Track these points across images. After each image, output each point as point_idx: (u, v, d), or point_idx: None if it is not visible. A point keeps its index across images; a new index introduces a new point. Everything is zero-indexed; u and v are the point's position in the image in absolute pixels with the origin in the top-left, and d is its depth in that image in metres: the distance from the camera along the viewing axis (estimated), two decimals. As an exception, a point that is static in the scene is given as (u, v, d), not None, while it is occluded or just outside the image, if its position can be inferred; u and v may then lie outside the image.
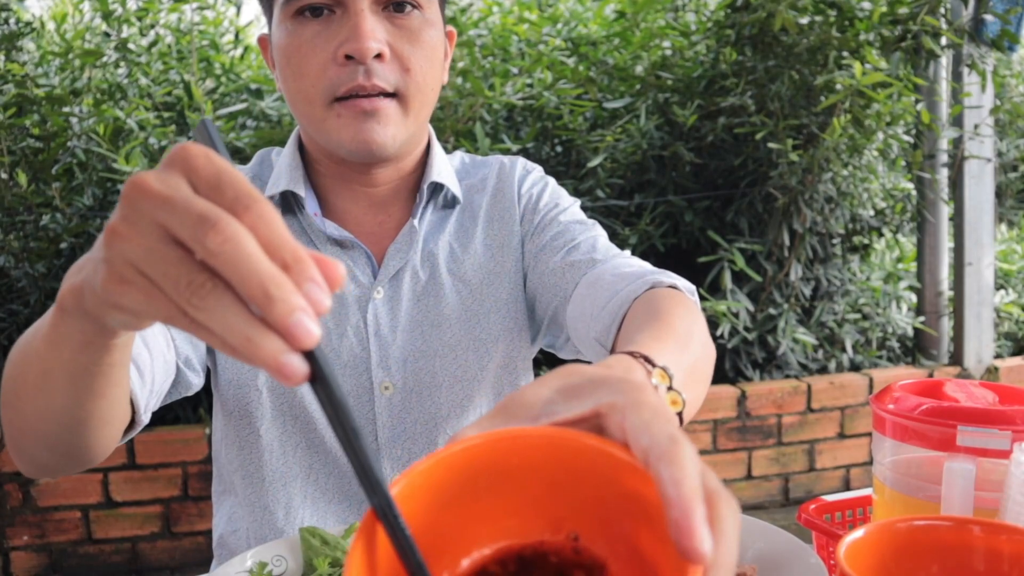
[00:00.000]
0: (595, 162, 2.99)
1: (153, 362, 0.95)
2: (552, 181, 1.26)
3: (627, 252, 1.12)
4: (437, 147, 1.20)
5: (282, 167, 1.14)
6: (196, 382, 1.08)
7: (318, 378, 0.46)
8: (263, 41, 1.16)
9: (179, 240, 0.46)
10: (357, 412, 1.12)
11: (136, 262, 0.47)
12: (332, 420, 0.46)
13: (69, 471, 0.86)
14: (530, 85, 3.16)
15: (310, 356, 0.45)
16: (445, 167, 1.19)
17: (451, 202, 1.20)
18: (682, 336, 0.83)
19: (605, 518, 0.49)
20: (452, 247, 1.18)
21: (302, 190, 1.12)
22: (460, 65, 3.01)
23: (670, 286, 0.97)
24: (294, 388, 1.10)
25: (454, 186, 1.18)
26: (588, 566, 0.50)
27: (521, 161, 1.25)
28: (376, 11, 1.03)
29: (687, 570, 0.42)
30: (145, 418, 0.91)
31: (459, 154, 1.28)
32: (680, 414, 0.72)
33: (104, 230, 0.49)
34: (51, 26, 3.10)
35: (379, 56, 1.01)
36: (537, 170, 1.25)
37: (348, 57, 1.01)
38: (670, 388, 0.72)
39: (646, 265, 1.06)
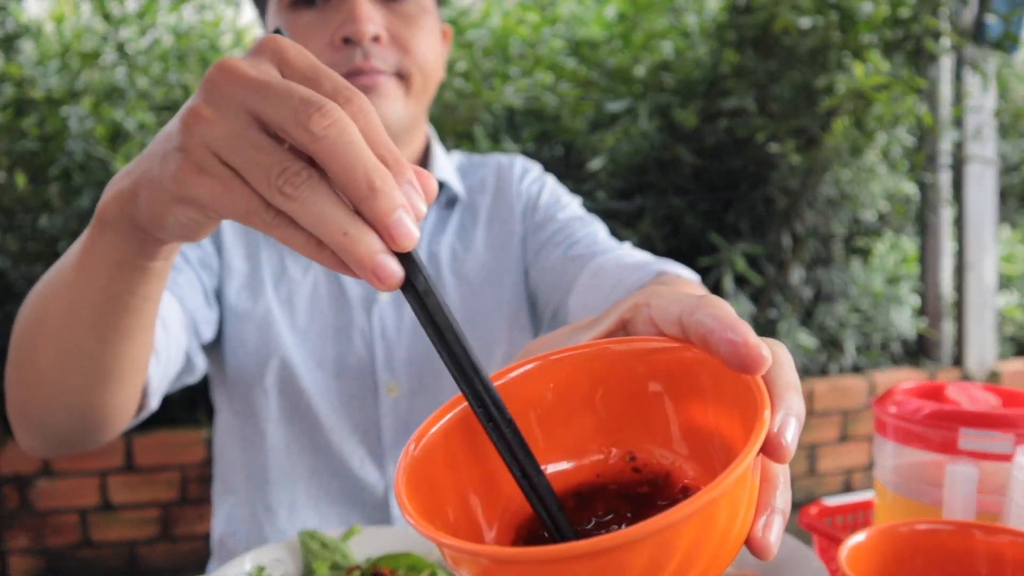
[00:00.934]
0: (596, 164, 2.98)
1: (169, 344, 0.92)
2: (551, 178, 1.26)
3: (627, 244, 1.11)
4: (437, 145, 1.20)
5: None
6: (201, 365, 1.06)
7: (412, 283, 0.42)
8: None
9: (271, 129, 0.44)
10: (362, 414, 1.12)
11: (220, 149, 0.44)
12: (425, 324, 0.43)
13: (77, 443, 0.79)
14: (530, 86, 3.15)
15: (406, 259, 0.42)
16: (446, 165, 1.19)
17: (452, 201, 1.19)
18: None
19: (656, 423, 0.46)
20: (454, 247, 1.17)
21: None
22: (460, 66, 3.00)
23: (676, 276, 0.96)
24: (299, 388, 1.10)
25: (455, 184, 1.18)
26: (652, 480, 0.46)
27: (520, 159, 1.25)
28: None
29: (758, 416, 0.38)
30: (154, 403, 0.88)
31: (457, 154, 1.28)
32: None
33: (181, 115, 0.46)
34: (50, 27, 3.09)
35: (376, 39, 1.01)
36: (536, 167, 1.25)
37: (345, 41, 1.00)
38: None
39: (649, 255, 1.05)
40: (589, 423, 0.47)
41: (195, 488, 2.73)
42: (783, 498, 0.42)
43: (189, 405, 2.78)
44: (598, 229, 1.16)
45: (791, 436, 0.40)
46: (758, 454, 0.38)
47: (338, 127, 0.42)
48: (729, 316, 0.41)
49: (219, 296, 1.12)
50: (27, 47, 2.91)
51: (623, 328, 0.47)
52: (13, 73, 2.61)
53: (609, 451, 0.47)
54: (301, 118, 0.42)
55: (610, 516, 0.46)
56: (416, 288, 0.42)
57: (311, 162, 0.43)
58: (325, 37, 1.02)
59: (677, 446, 0.46)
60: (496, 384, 0.45)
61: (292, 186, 0.42)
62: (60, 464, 2.65)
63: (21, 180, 2.59)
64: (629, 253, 1.07)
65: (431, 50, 1.07)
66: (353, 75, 1.01)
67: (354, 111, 0.43)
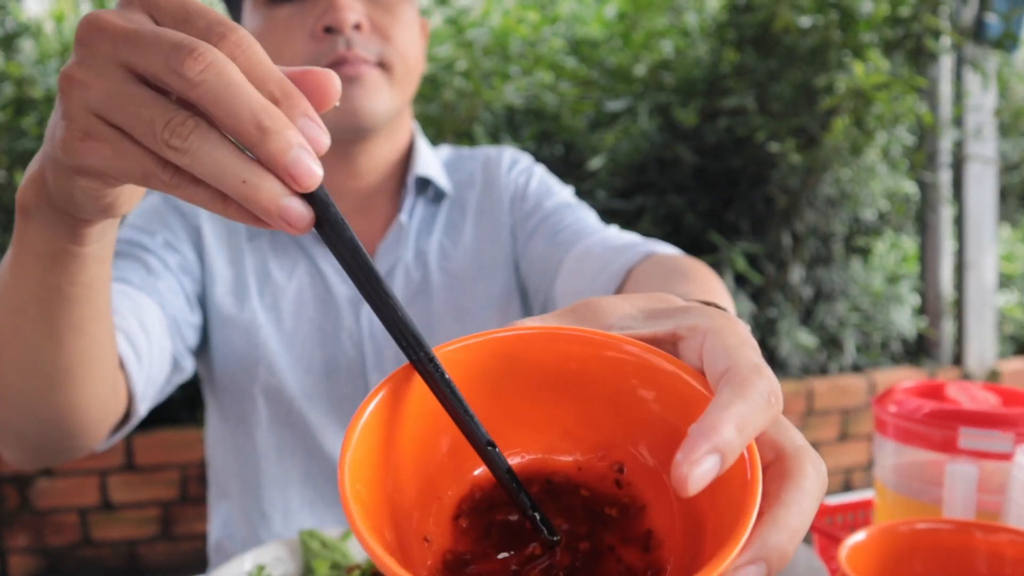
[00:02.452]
0: (596, 163, 2.98)
1: (152, 349, 0.90)
2: (541, 167, 1.24)
3: (615, 227, 1.08)
4: (422, 140, 1.19)
5: None
6: (190, 367, 1.05)
7: (324, 222, 0.40)
8: None
9: (149, 79, 0.41)
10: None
11: (100, 110, 0.41)
12: (346, 265, 0.40)
13: (57, 452, 0.76)
14: (530, 86, 3.15)
15: (313, 199, 0.40)
16: (431, 160, 1.18)
17: (439, 196, 1.18)
18: (722, 294, 0.81)
19: (661, 453, 0.42)
20: (443, 244, 1.16)
21: None
22: (460, 65, 3.00)
23: (666, 255, 0.93)
24: (288, 395, 1.09)
25: (441, 179, 1.17)
26: (625, 505, 0.43)
27: (508, 151, 1.24)
28: None
29: (732, 538, 0.34)
30: (142, 409, 0.87)
31: (446, 148, 1.27)
32: None
33: (59, 80, 0.43)
34: (49, 26, 3.09)
35: (358, 27, 1.00)
36: (525, 158, 1.24)
37: (327, 30, 0.99)
38: None
39: (636, 236, 1.02)
40: (598, 416, 0.44)
41: (195, 487, 2.72)
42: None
43: (189, 405, 2.78)
44: (587, 215, 1.13)
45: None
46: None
47: (215, 69, 0.39)
48: (729, 412, 0.36)
49: (203, 302, 1.11)
50: (27, 46, 2.90)
51: (673, 340, 0.43)
52: (13, 72, 2.61)
53: (606, 451, 0.44)
54: (173, 64, 0.39)
55: (564, 527, 0.43)
56: (329, 225, 0.40)
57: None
58: (306, 28, 1.01)
59: (667, 491, 0.42)
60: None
61: (180, 137, 0.39)
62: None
63: (20, 179, 2.59)
64: (616, 235, 1.04)
65: (412, 40, 1.06)
66: (336, 64, 1.00)
67: (231, 48, 0.40)
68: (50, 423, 0.72)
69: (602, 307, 0.47)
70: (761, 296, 3.12)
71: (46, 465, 0.79)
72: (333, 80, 0.42)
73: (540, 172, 1.23)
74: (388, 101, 1.04)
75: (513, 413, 0.44)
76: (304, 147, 0.39)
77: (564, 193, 1.20)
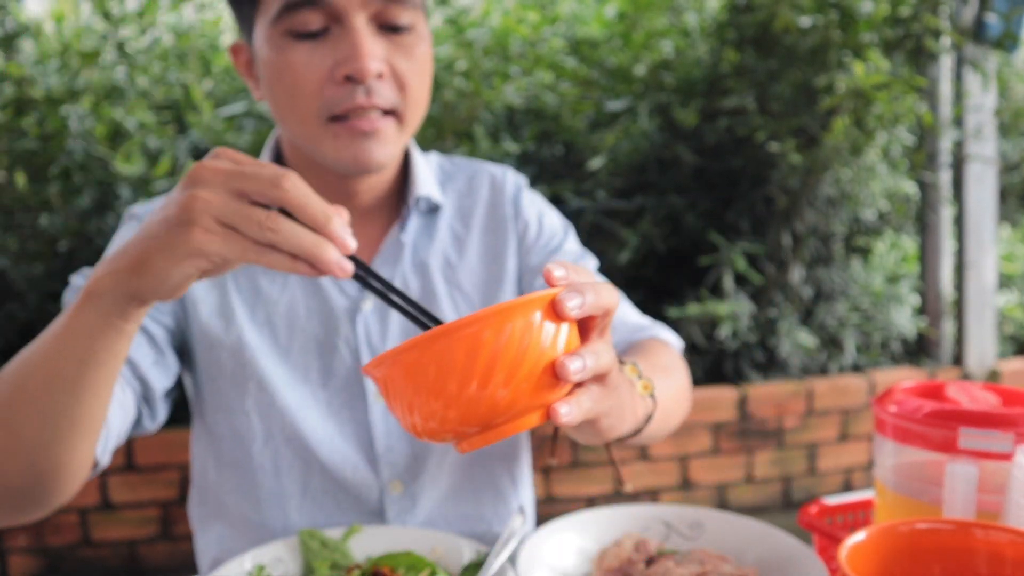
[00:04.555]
0: (596, 163, 2.98)
1: (121, 399, 0.97)
2: (540, 199, 1.27)
3: (625, 301, 1.19)
4: (417, 154, 1.19)
5: None
6: (149, 426, 1.08)
7: (361, 269, 0.71)
8: (238, 49, 1.12)
9: (248, 197, 0.67)
10: (353, 422, 1.13)
11: (220, 215, 0.66)
12: (379, 295, 0.73)
13: (34, 506, 0.83)
14: (530, 86, 3.15)
15: (352, 258, 0.70)
16: (427, 176, 1.19)
17: (433, 208, 1.19)
18: (663, 367, 1.02)
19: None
20: (447, 255, 1.18)
21: None
22: (460, 65, 3.00)
23: (664, 342, 1.14)
24: (280, 408, 1.11)
25: (437, 196, 1.18)
26: None
27: (511, 174, 1.26)
28: (373, 28, 1.00)
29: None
30: (105, 460, 0.91)
31: (434, 156, 1.28)
32: (653, 395, 0.87)
33: (180, 202, 0.67)
34: (49, 26, 3.09)
35: (380, 76, 1.00)
36: (525, 185, 1.27)
37: (347, 77, 0.99)
38: (640, 377, 0.87)
39: (646, 319, 1.19)
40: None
41: (195, 487, 2.72)
42: (591, 354, 0.62)
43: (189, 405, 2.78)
44: (591, 268, 1.19)
45: (573, 303, 0.60)
46: (550, 306, 0.60)
47: (299, 186, 0.67)
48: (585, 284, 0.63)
49: (183, 331, 1.12)
50: (27, 46, 2.91)
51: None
52: (13, 72, 2.61)
53: None
54: (277, 183, 0.66)
55: None
56: (361, 270, 0.72)
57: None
58: (324, 70, 0.99)
59: None
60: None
61: (275, 223, 0.66)
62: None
63: (21, 179, 2.59)
64: (626, 311, 1.17)
65: (424, 85, 1.06)
66: (354, 114, 1.00)
67: (293, 178, 0.67)
68: (42, 475, 0.80)
69: None
70: (761, 296, 3.12)
71: (12, 523, 0.86)
72: (345, 215, 0.73)
73: (548, 209, 1.26)
74: (395, 149, 1.06)
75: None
76: (347, 229, 0.69)
77: (570, 238, 1.25)
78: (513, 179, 1.25)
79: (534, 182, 3.11)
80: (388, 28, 1.02)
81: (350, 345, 1.12)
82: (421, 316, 0.73)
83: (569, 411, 0.60)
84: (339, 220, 0.68)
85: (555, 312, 0.59)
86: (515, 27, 3.22)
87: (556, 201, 3.08)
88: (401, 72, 1.02)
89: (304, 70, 1.00)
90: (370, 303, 1.13)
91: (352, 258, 0.69)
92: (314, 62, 1.00)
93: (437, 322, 0.70)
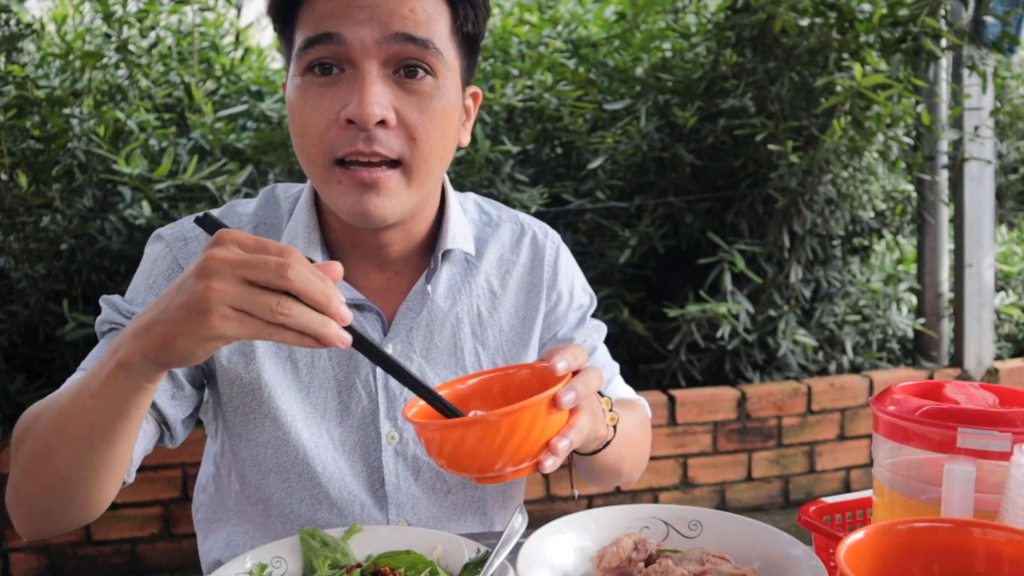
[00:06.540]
0: (595, 164, 2.99)
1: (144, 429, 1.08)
2: (576, 267, 1.30)
3: (616, 367, 1.32)
4: (454, 205, 1.17)
5: (299, 225, 1.12)
6: (170, 445, 1.16)
7: (359, 339, 0.80)
8: (286, 87, 1.12)
9: (257, 284, 0.74)
10: (364, 461, 1.16)
11: (233, 303, 0.73)
12: (373, 359, 0.83)
13: (66, 525, 0.97)
14: (530, 87, 3.16)
15: (350, 329, 0.78)
16: (460, 227, 1.17)
17: (466, 257, 1.19)
18: (632, 417, 1.22)
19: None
20: (480, 310, 1.19)
21: (318, 256, 1.10)
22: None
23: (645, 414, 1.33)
24: (294, 444, 1.13)
25: (468, 246, 1.17)
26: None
27: (552, 234, 1.27)
28: (386, 75, 0.99)
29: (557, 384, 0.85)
30: (130, 479, 1.04)
31: (472, 199, 1.26)
32: (615, 426, 1.07)
33: (196, 291, 0.74)
34: (51, 27, 3.10)
35: (383, 123, 0.98)
36: (564, 248, 1.28)
37: (350, 121, 0.97)
38: (611, 409, 1.06)
39: (631, 392, 1.34)
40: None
41: (196, 487, 2.73)
42: (576, 431, 0.87)
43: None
44: (600, 350, 1.29)
45: (568, 398, 0.85)
46: (552, 400, 0.83)
47: (303, 271, 0.74)
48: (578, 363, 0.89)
49: (203, 366, 1.14)
50: (29, 47, 2.91)
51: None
52: (15, 73, 2.62)
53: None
54: (282, 271, 0.73)
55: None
56: (360, 340, 0.80)
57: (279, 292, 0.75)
58: (332, 112, 0.98)
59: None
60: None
61: (285, 308, 0.74)
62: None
63: (23, 180, 2.59)
64: (616, 386, 1.30)
65: (440, 136, 1.02)
66: (353, 160, 0.99)
67: (295, 261, 0.74)
68: (77, 504, 0.94)
69: None
70: (760, 296, 3.13)
71: (47, 536, 1.01)
72: (337, 271, 0.79)
73: (580, 277, 1.30)
74: (403, 204, 1.03)
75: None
76: (344, 306, 0.76)
77: (591, 311, 1.29)
78: (553, 241, 1.25)
79: (534, 182, 3.11)
80: (405, 71, 1.00)
81: (368, 387, 1.14)
82: (409, 384, 0.85)
83: (553, 462, 0.85)
84: (338, 298, 0.75)
85: (555, 403, 0.84)
86: (515, 28, 3.23)
87: (556, 201, 3.09)
88: (411, 123, 0.99)
89: (314, 110, 0.99)
90: (391, 348, 1.14)
91: (349, 328, 0.77)
92: (323, 104, 0.99)
93: (423, 389, 0.85)
